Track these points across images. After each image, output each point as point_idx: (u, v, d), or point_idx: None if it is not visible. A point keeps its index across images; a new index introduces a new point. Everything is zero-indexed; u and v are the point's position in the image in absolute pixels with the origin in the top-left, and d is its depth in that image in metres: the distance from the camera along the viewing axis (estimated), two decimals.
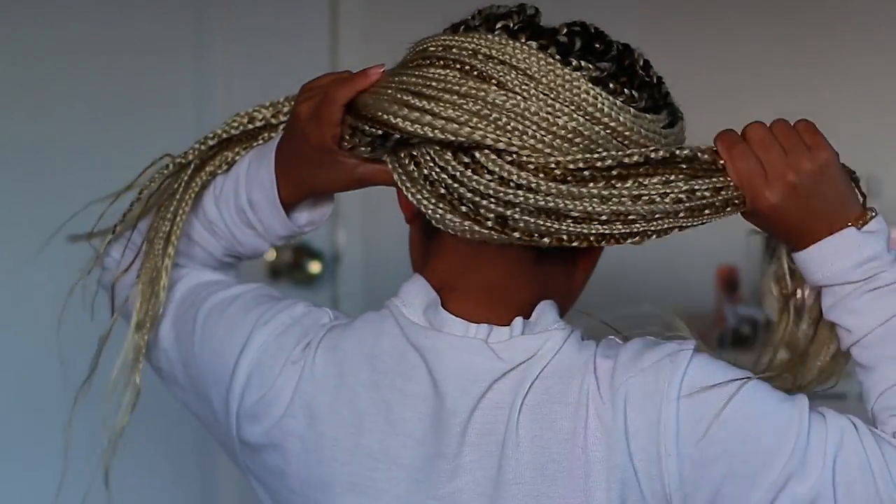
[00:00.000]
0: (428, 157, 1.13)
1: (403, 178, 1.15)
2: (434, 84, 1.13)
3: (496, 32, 1.15)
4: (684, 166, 1.13)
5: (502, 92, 1.11)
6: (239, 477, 1.28)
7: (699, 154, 1.13)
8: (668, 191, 1.12)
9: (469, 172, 1.12)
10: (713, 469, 1.10)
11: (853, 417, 1.13)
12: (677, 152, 1.13)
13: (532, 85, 1.11)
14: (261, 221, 1.27)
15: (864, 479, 1.10)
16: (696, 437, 1.10)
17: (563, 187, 1.11)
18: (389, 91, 1.14)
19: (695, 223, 1.14)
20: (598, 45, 1.16)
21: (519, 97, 1.11)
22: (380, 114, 1.14)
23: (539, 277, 1.19)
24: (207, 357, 1.24)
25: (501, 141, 1.11)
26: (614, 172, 1.12)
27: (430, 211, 1.13)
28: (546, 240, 1.12)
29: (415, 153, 1.14)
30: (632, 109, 1.14)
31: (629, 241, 1.13)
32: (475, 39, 1.14)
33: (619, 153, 1.12)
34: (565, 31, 1.15)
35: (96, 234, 1.32)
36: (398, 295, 1.18)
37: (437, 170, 1.13)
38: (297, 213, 1.27)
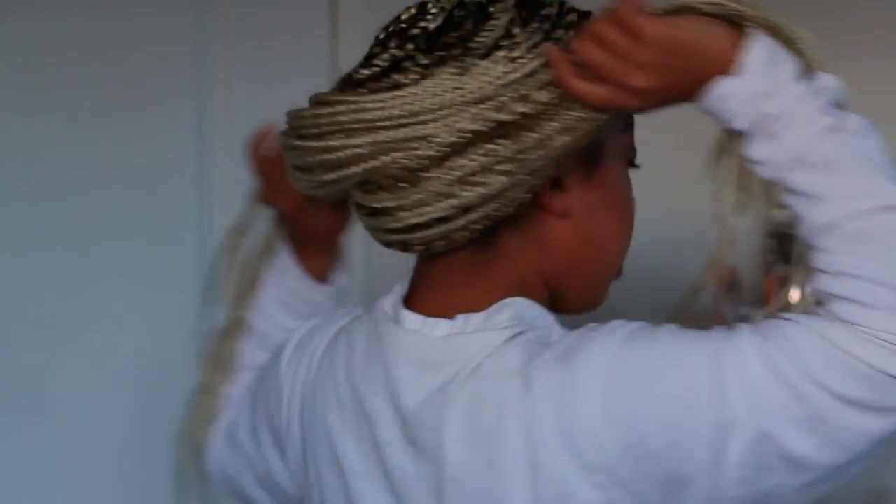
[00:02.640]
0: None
1: None
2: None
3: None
4: (490, 135, 1.08)
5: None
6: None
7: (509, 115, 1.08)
8: (490, 162, 1.09)
9: (361, 213, 1.18)
10: (644, 447, 1.03)
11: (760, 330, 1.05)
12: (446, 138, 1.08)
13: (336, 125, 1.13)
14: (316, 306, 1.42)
15: (778, 391, 1.02)
16: (607, 421, 1.03)
17: (392, 195, 1.12)
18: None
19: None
20: (374, 51, 1.16)
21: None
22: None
23: (493, 268, 1.16)
24: None
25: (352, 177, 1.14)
26: (422, 174, 1.10)
27: None
28: (440, 244, 1.13)
29: None
30: (398, 93, 1.11)
31: (511, 208, 1.12)
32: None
33: (404, 161, 1.10)
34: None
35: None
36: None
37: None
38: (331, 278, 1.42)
